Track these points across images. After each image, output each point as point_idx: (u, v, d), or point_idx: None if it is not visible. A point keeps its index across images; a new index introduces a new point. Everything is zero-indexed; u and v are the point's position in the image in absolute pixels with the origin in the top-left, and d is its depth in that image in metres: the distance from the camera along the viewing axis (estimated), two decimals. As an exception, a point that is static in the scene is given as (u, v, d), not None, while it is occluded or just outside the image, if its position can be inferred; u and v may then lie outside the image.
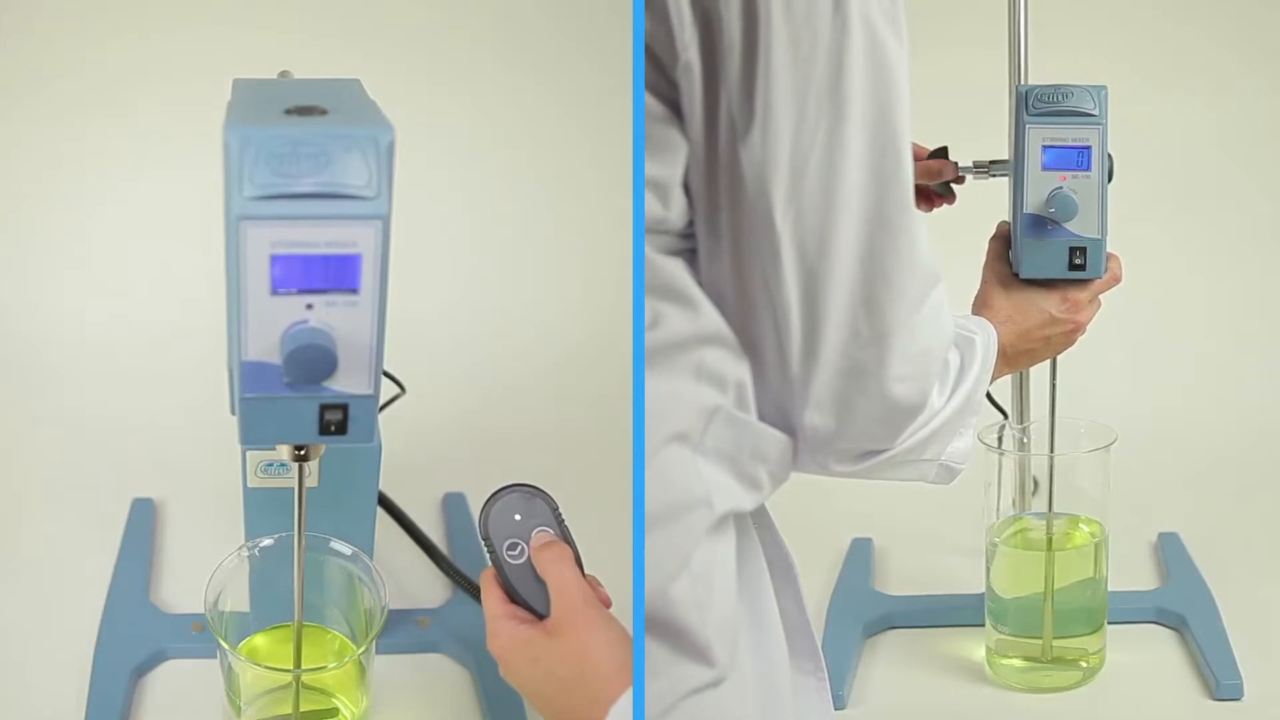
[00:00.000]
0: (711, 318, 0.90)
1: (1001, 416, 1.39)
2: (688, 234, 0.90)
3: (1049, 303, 1.18)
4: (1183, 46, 1.98)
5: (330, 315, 0.96)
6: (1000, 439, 1.35)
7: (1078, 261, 1.19)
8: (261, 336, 0.97)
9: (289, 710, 1.18)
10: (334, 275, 0.95)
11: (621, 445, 1.29)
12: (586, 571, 1.06)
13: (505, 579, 1.06)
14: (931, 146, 1.32)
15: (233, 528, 1.28)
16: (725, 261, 0.89)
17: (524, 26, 2.02)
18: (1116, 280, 1.22)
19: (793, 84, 0.85)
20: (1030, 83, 1.27)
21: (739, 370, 0.91)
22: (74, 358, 1.81)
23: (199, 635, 1.33)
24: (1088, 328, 1.21)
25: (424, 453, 1.64)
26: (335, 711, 1.20)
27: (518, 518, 1.08)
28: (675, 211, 0.88)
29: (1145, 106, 1.93)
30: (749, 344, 0.91)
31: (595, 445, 1.67)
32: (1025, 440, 1.37)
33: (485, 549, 1.07)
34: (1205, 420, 1.81)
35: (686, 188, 0.89)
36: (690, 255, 0.90)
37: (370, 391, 1.00)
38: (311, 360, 0.96)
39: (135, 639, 1.33)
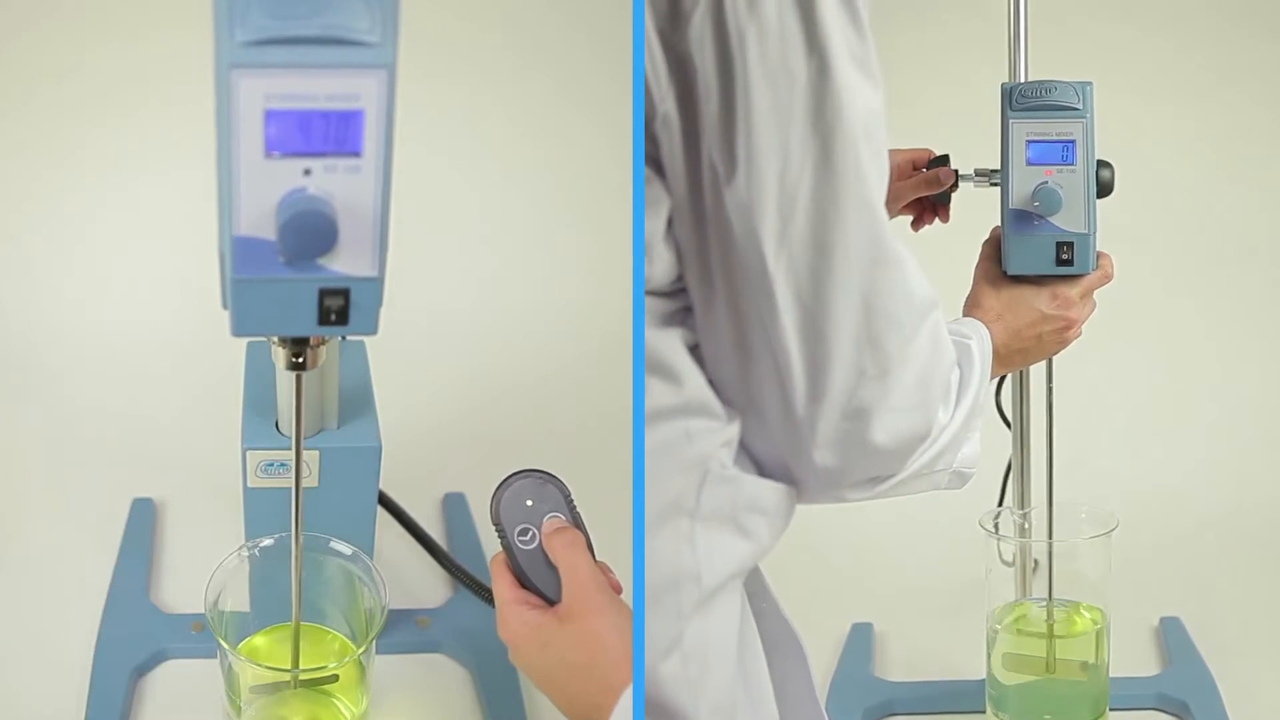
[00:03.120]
0: (695, 389, 0.90)
1: (1004, 424, 1.38)
2: (673, 291, 0.90)
3: (1039, 300, 1.17)
4: (1187, 65, 1.97)
5: (330, 182, 0.90)
6: (997, 524, 1.34)
7: (1065, 256, 1.18)
8: (254, 207, 0.90)
9: (288, 710, 1.19)
10: (334, 136, 0.89)
11: (622, 445, 1.29)
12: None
13: (516, 565, 1.06)
14: (936, 152, 1.32)
15: (233, 528, 1.28)
16: (721, 311, 0.89)
17: (531, 25, 2.02)
18: (1108, 277, 1.21)
19: (774, 125, 0.85)
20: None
21: (727, 433, 0.91)
22: (74, 357, 1.81)
23: (199, 635, 1.33)
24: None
25: (424, 453, 1.64)
26: (334, 678, 1.19)
27: (529, 503, 1.07)
28: (659, 268, 0.88)
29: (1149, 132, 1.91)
30: (749, 392, 0.91)
31: (595, 445, 1.67)
32: (1026, 526, 1.36)
33: (497, 534, 1.07)
34: (1207, 503, 1.77)
35: (671, 245, 0.88)
36: (679, 316, 0.90)
37: (374, 273, 0.93)
38: (309, 230, 0.89)
39: (135, 639, 1.33)
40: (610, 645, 0.98)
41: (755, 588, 0.98)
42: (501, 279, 1.96)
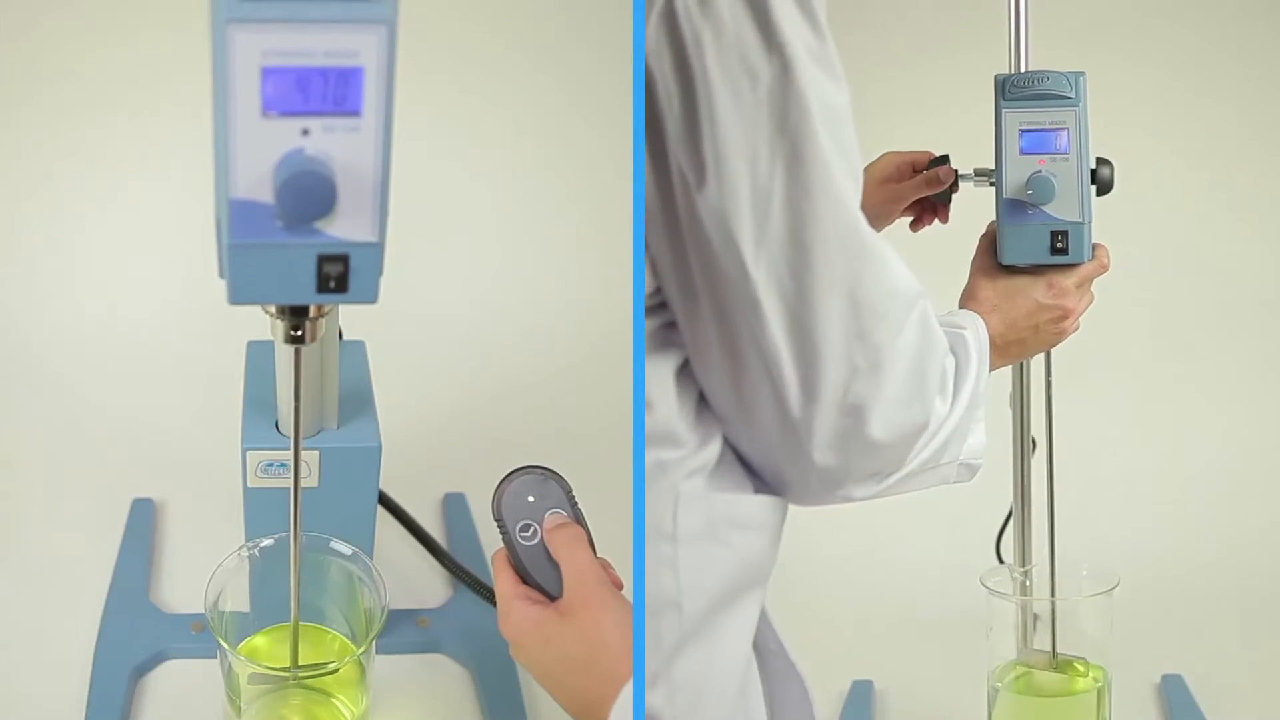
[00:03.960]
0: (662, 419, 0.90)
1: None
2: (650, 306, 0.89)
3: (1035, 290, 1.16)
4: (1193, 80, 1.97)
5: (329, 143, 0.88)
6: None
7: (1059, 245, 1.18)
8: (251, 168, 0.88)
9: (288, 710, 1.19)
10: (333, 94, 0.87)
11: (621, 445, 1.29)
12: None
13: (517, 561, 1.06)
14: (937, 153, 1.32)
15: (233, 528, 1.28)
16: (706, 321, 0.89)
17: (532, 25, 2.02)
18: (1104, 268, 1.21)
19: (740, 128, 0.85)
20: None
21: (695, 461, 0.91)
22: (74, 358, 1.80)
23: (199, 635, 1.33)
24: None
25: (424, 453, 1.64)
26: (334, 669, 1.19)
27: (531, 499, 1.07)
28: None
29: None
30: (742, 399, 0.90)
31: (596, 445, 1.67)
32: (1027, 584, 1.35)
33: (499, 530, 1.07)
34: (1209, 560, 1.76)
35: (645, 258, 0.88)
36: (660, 335, 0.90)
37: (374, 239, 0.91)
38: (308, 191, 0.87)
39: (135, 639, 1.33)
40: (612, 640, 0.98)
41: (763, 629, 0.97)
42: (501, 279, 1.96)
